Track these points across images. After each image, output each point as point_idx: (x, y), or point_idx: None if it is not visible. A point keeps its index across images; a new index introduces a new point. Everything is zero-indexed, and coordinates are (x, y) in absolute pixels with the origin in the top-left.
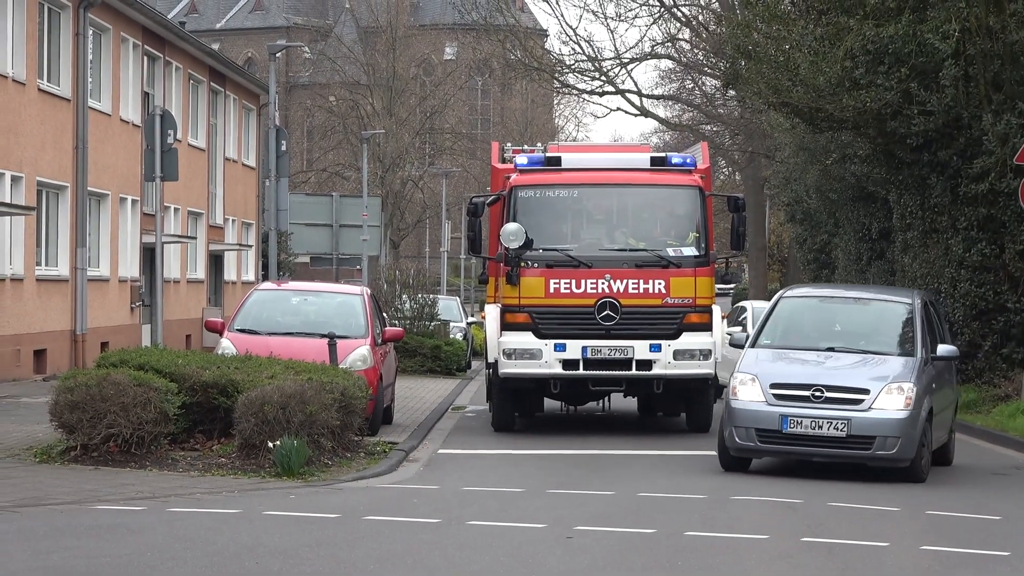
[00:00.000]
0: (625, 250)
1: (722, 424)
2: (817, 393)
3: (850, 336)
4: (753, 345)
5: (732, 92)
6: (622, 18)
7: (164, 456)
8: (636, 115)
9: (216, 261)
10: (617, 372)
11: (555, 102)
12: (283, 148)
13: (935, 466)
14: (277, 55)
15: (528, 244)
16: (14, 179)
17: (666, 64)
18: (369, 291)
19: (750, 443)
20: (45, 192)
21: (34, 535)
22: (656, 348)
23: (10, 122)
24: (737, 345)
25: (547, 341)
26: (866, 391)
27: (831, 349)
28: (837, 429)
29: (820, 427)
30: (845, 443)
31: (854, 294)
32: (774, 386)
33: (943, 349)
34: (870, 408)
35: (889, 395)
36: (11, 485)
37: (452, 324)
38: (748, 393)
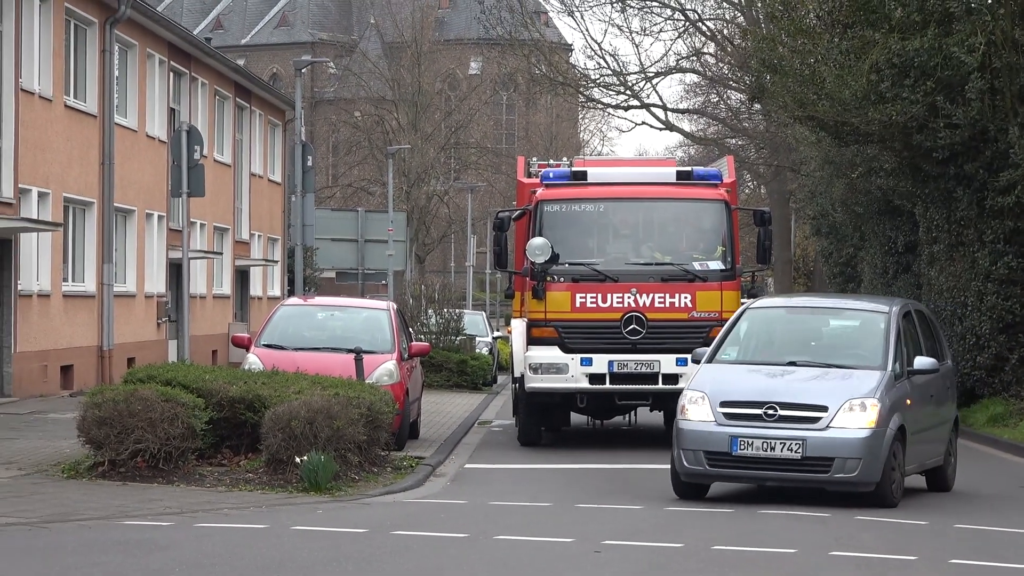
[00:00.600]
0: (651, 264)
1: (672, 447)
2: (770, 411)
3: (816, 349)
4: (711, 360)
5: (757, 106)
6: (647, 32)
7: (192, 472)
8: (661, 129)
9: (242, 276)
10: (643, 386)
11: (580, 116)
12: (309, 163)
13: (932, 492)
14: (302, 71)
15: (554, 258)
16: (41, 195)
17: (691, 78)
18: (395, 306)
19: (699, 467)
20: (72, 208)
21: (63, 550)
22: (682, 362)
23: (37, 138)
24: (697, 361)
25: (573, 355)
26: (824, 408)
27: (792, 363)
28: (791, 450)
29: (773, 448)
30: (800, 465)
31: (824, 304)
32: (724, 404)
33: (921, 362)
34: (828, 427)
35: (850, 412)
36: (40, 500)
37: (478, 339)
38: (697, 413)
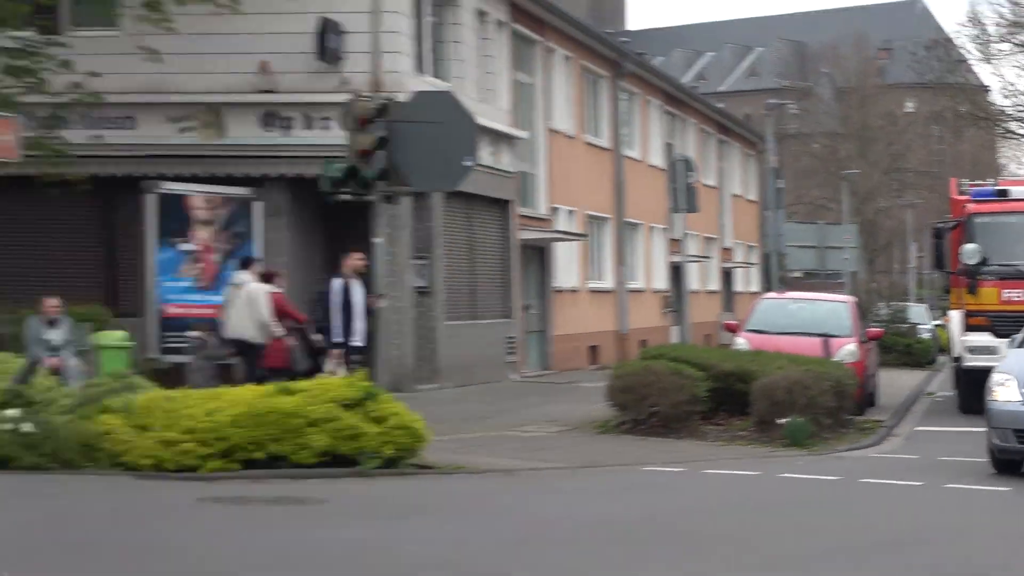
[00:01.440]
0: None
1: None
2: None
3: None
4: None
5: None
6: None
7: (696, 429)
8: None
9: (727, 276)
10: None
11: (998, 146)
12: (780, 185)
13: None
14: (772, 111)
15: (984, 261)
16: (568, 213)
17: None
18: (854, 299)
19: (1008, 444)
20: (593, 223)
21: (590, 492)
22: None
23: (564, 168)
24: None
25: (1002, 340)
26: None
27: None
28: None
29: None
30: None
31: None
32: None
33: None
34: None
35: None
36: (576, 450)
37: (919, 326)
38: (1005, 394)
